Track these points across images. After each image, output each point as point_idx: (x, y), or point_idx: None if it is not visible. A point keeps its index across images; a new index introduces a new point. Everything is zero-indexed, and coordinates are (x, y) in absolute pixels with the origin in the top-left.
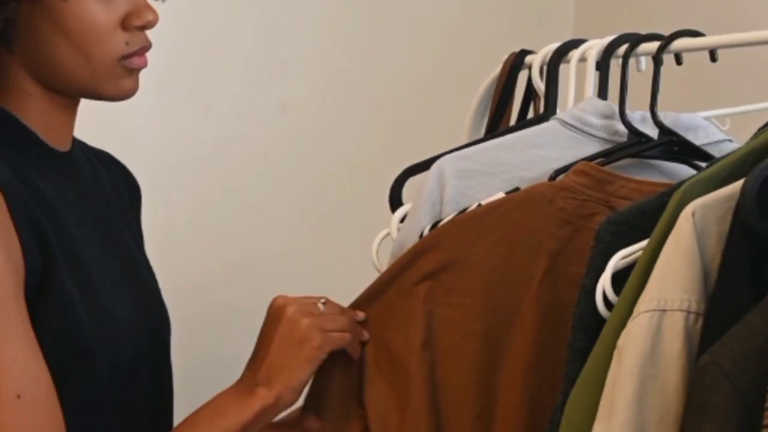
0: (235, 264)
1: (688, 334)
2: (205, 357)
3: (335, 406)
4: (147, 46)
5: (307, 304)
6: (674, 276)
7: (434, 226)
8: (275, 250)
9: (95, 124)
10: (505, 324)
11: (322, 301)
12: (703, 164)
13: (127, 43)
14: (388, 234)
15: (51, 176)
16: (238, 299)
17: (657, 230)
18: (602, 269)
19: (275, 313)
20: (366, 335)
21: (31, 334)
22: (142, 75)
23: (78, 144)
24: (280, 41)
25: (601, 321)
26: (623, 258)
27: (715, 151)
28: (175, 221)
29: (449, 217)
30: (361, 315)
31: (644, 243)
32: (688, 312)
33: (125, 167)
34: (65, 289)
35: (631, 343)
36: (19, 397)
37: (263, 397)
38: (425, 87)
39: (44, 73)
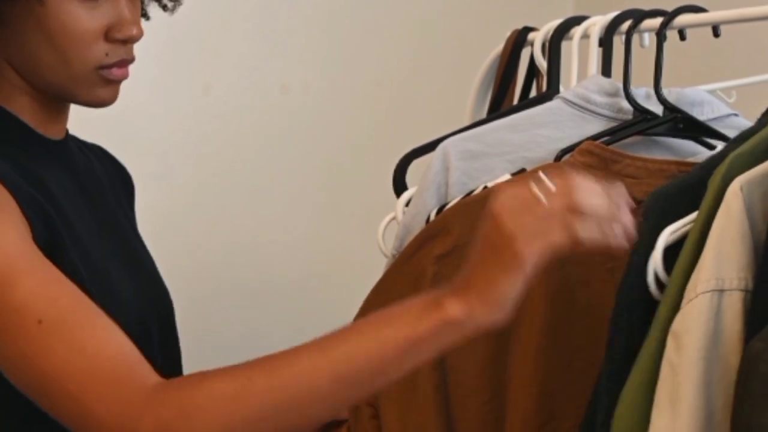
0: (237, 245)
1: (747, 313)
2: (206, 340)
3: None
4: (128, 60)
5: (523, 199)
6: (729, 254)
7: (441, 209)
8: (276, 231)
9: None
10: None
11: (546, 183)
12: (711, 140)
13: (107, 54)
14: (394, 218)
15: (47, 164)
16: (239, 280)
17: (704, 206)
18: (652, 245)
19: (489, 205)
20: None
21: (47, 263)
22: (143, 55)
23: (71, 137)
24: (282, 20)
25: (646, 298)
26: (672, 233)
27: (721, 126)
28: (176, 200)
29: (455, 200)
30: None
31: (691, 217)
32: (746, 291)
33: (117, 160)
34: (74, 269)
35: (693, 327)
36: (40, 322)
37: (447, 309)
38: (427, 65)
39: (25, 71)
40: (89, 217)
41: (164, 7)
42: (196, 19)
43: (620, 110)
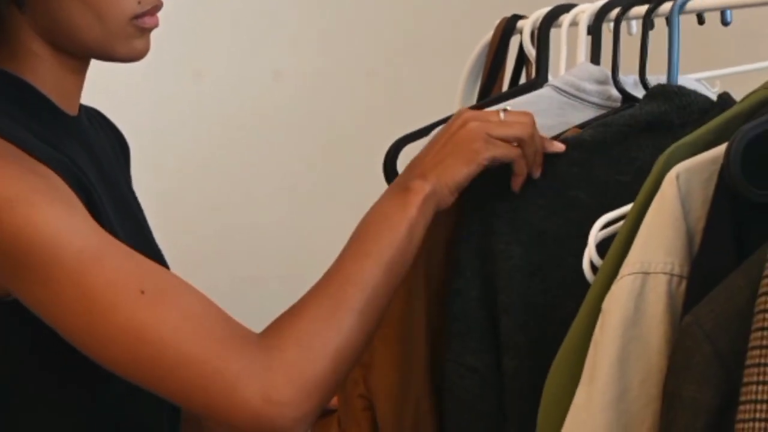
0: (228, 232)
1: (671, 296)
2: None
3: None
4: (159, 5)
5: (487, 112)
6: (658, 239)
7: None
8: (268, 218)
9: (87, 87)
10: None
11: (504, 108)
12: None
13: (139, 2)
14: None
15: (69, 141)
16: (231, 268)
17: (641, 194)
18: None
19: (451, 120)
20: (554, 146)
21: (115, 240)
22: None
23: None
24: (273, 6)
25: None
26: (605, 226)
27: None
28: (167, 187)
29: None
30: (559, 146)
31: (627, 208)
32: (671, 275)
33: (113, 124)
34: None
35: (614, 306)
36: (143, 292)
37: (419, 188)
38: (417, 52)
39: (55, 34)
40: (108, 195)
41: None
42: (187, 5)
43: (610, 98)
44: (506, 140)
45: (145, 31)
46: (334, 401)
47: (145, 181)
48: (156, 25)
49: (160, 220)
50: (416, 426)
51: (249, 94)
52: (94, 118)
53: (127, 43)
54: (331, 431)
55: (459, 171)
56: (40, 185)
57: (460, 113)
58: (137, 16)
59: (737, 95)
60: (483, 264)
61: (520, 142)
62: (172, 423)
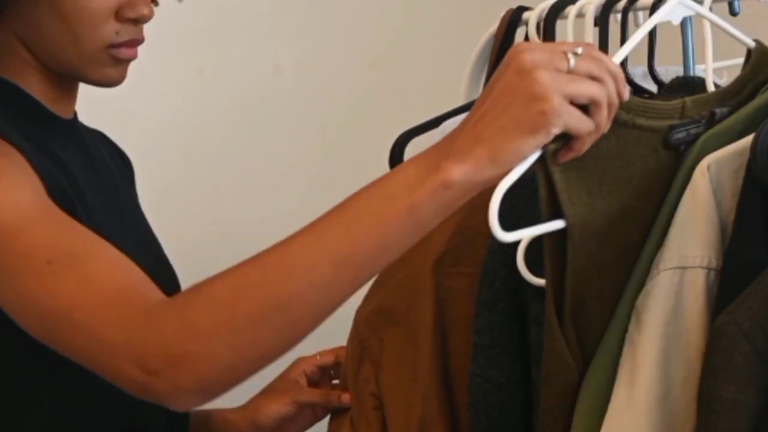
0: (231, 226)
1: (709, 291)
2: None
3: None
4: (138, 40)
5: (555, 53)
6: (693, 232)
7: None
8: (270, 212)
9: (89, 87)
10: None
11: (577, 50)
12: None
13: (117, 33)
14: None
15: (61, 142)
16: (233, 259)
17: (674, 186)
18: None
19: (507, 60)
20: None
21: (58, 210)
22: None
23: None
24: (274, 1)
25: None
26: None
27: None
28: (170, 183)
29: None
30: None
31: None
32: (709, 269)
33: (117, 146)
34: None
35: (653, 303)
36: (49, 262)
37: (446, 172)
38: (421, 46)
39: (36, 49)
40: (103, 196)
41: None
42: (188, 1)
43: None
44: (577, 101)
45: (121, 62)
46: (347, 399)
47: (147, 176)
48: (133, 57)
49: (161, 215)
50: (424, 427)
51: (250, 88)
52: (95, 136)
53: (101, 69)
54: (343, 429)
55: (520, 143)
56: None
57: (516, 50)
58: (113, 45)
59: None
60: (511, 273)
61: (593, 105)
62: (174, 423)
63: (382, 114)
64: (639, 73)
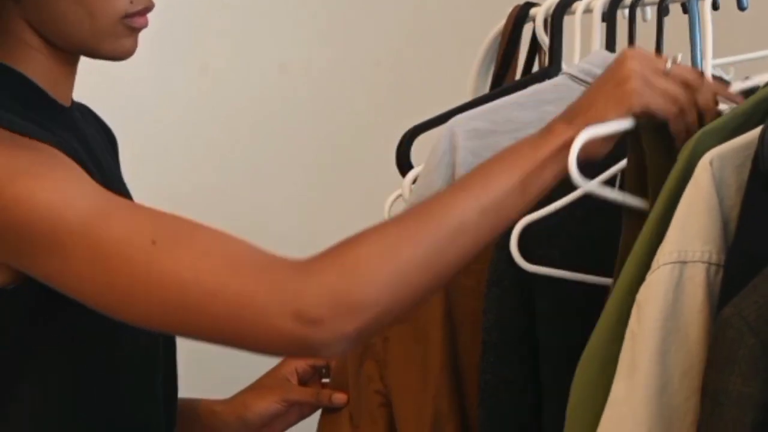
0: (236, 225)
1: (709, 286)
2: None
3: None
4: (150, 7)
5: (653, 58)
6: (694, 227)
7: None
8: (277, 211)
9: (92, 80)
10: None
11: (673, 60)
12: None
13: (131, 2)
14: (400, 195)
15: (62, 129)
16: None
17: (669, 181)
18: None
19: (614, 60)
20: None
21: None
22: (141, 32)
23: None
24: None
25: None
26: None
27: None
28: (172, 180)
29: None
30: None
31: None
32: (709, 263)
33: (101, 119)
34: None
35: (652, 297)
36: (154, 242)
37: (561, 131)
38: (427, 43)
39: (46, 28)
40: (105, 186)
41: None
42: None
43: None
44: (664, 93)
45: (135, 31)
46: (343, 398)
47: (151, 175)
48: (145, 26)
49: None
50: (438, 425)
51: (255, 87)
52: (83, 112)
53: (116, 41)
54: (342, 428)
55: (609, 113)
56: (38, 157)
57: (624, 51)
58: (128, 15)
59: None
60: (519, 269)
61: (676, 104)
62: (170, 422)
63: (389, 111)
64: None
